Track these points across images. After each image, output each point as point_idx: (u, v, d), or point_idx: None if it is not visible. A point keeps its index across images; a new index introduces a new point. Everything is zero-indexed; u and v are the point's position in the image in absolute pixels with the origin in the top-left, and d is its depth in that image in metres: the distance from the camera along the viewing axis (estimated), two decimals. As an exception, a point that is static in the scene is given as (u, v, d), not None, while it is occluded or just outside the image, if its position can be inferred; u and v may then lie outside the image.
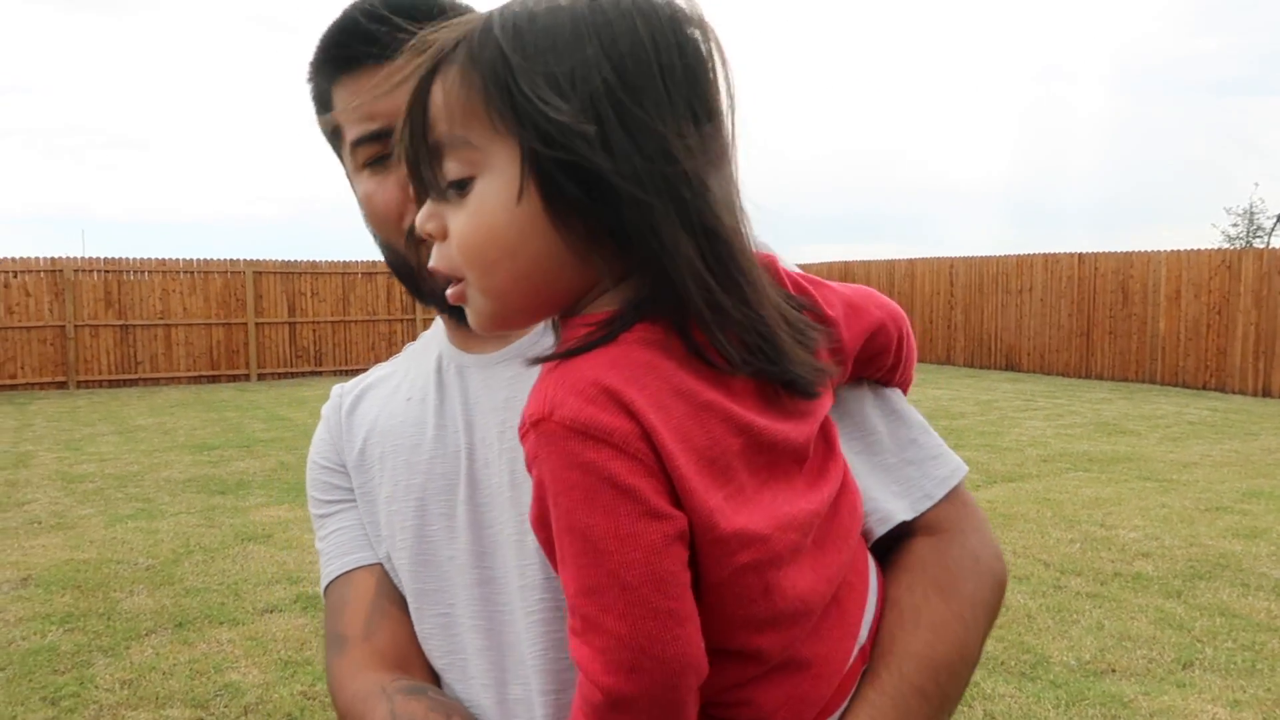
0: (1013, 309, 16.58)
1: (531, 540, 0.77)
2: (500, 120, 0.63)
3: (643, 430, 0.62)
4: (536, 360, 0.67)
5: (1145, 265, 14.48)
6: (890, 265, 19.06)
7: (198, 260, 16.04)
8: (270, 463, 8.51)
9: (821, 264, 20.38)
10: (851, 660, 0.74)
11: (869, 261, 19.58)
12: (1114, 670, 3.89)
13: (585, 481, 0.62)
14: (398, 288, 17.09)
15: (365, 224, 0.93)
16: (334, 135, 0.92)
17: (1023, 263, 16.46)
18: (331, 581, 0.95)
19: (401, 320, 17.73)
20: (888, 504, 0.82)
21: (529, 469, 0.65)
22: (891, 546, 0.83)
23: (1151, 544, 5.62)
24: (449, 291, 0.71)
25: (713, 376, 0.67)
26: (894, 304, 0.84)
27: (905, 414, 0.87)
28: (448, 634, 0.88)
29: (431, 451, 0.91)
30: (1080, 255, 15.53)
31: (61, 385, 14.98)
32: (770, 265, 0.74)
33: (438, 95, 0.65)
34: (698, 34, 0.66)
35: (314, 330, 16.99)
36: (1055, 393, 13.28)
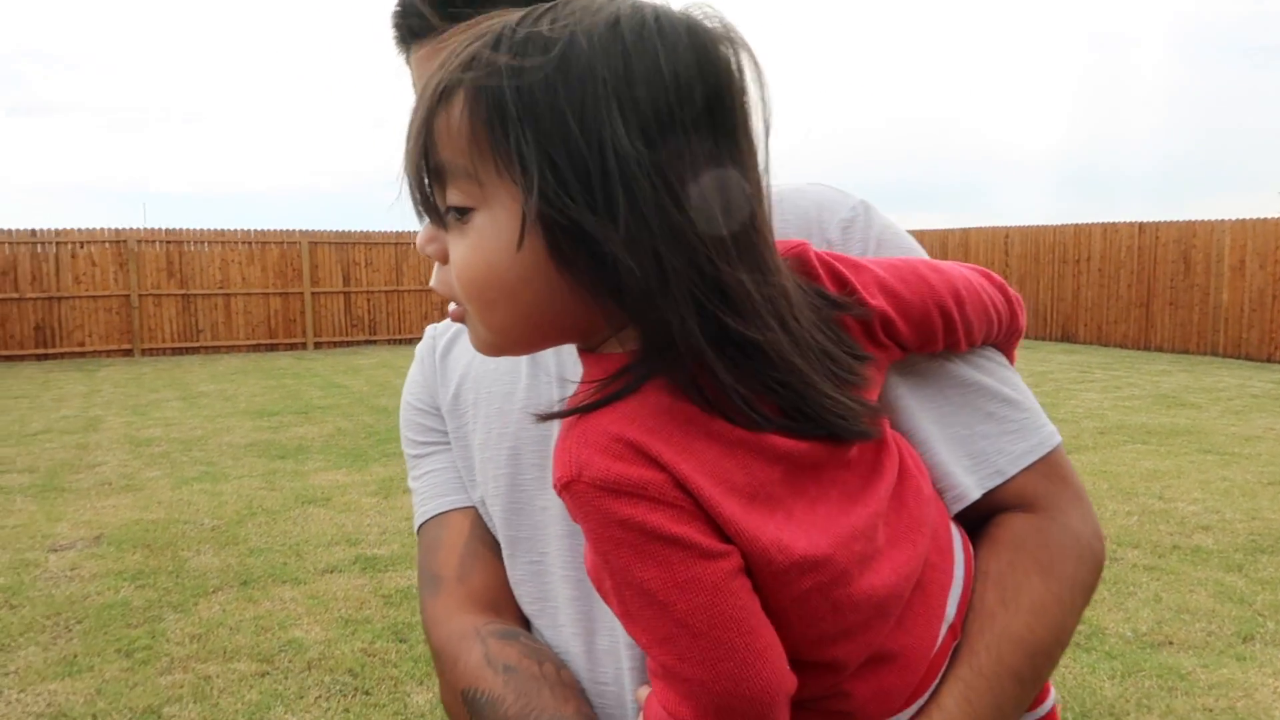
0: (1069, 279, 16.26)
1: None
2: (504, 164, 0.60)
3: (674, 479, 0.61)
4: (550, 416, 0.65)
5: (1208, 234, 14.10)
6: (944, 235, 18.77)
7: (255, 231, 16.33)
8: (328, 428, 8.69)
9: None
10: (940, 640, 0.73)
11: (922, 230, 19.27)
12: (1171, 643, 3.85)
13: (630, 538, 0.61)
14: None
15: None
16: None
17: (1080, 232, 16.11)
18: (426, 522, 0.96)
19: (453, 290, 17.91)
20: (963, 479, 0.79)
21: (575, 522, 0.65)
22: (987, 515, 0.80)
23: (1211, 517, 5.52)
24: (450, 310, 0.71)
25: None
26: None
27: (984, 384, 0.81)
28: (539, 582, 0.89)
29: (524, 401, 0.90)
30: (1140, 224, 15.16)
31: (127, 353, 15.41)
32: (801, 259, 0.70)
33: (442, 121, 0.62)
34: (729, 52, 0.62)
35: (368, 300, 17.24)
36: (1113, 364, 13.03)
